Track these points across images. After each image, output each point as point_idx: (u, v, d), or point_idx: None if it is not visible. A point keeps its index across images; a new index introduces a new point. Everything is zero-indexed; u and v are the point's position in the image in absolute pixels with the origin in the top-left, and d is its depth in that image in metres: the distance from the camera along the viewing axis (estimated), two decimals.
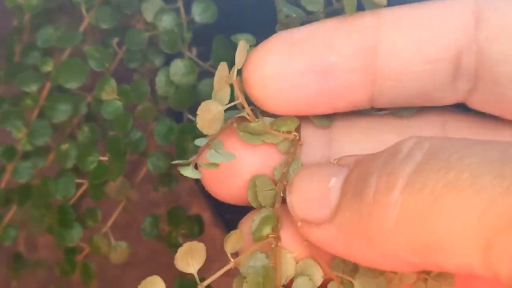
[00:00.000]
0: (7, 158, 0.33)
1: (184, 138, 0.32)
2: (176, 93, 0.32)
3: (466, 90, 0.24)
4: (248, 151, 0.25)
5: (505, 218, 0.17)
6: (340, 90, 0.24)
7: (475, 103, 0.24)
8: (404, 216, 0.18)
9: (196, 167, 0.23)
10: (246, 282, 0.22)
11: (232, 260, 0.23)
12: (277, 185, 0.24)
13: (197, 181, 0.46)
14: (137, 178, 0.35)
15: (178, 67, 0.32)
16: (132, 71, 0.34)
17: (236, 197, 0.25)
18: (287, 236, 0.23)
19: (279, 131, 0.24)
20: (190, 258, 0.22)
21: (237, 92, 0.24)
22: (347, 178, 0.21)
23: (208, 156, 0.23)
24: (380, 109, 0.26)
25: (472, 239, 0.17)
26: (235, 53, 0.24)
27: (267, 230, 0.23)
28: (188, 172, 0.22)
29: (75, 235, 0.32)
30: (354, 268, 0.23)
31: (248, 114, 0.24)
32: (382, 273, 0.23)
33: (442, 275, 0.24)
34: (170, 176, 0.34)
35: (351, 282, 0.23)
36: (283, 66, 0.23)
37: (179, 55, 0.33)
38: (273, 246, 0.23)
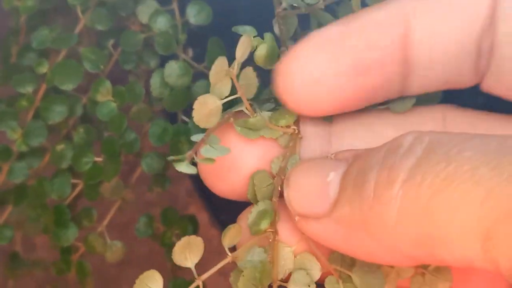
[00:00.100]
0: (3, 159, 0.33)
1: (178, 139, 0.32)
2: (171, 94, 0.32)
3: (483, 72, 0.24)
4: (248, 146, 0.24)
5: (503, 208, 0.17)
6: (380, 84, 0.24)
7: (489, 85, 0.24)
8: (404, 210, 0.19)
9: (191, 162, 0.23)
10: (243, 276, 0.22)
11: (229, 254, 0.23)
12: (275, 179, 0.24)
13: (195, 181, 0.46)
14: (132, 179, 0.35)
15: (172, 69, 0.32)
16: (127, 72, 0.35)
17: (237, 193, 0.25)
18: (285, 230, 0.23)
19: (278, 126, 0.24)
20: (187, 252, 0.22)
21: (237, 86, 0.24)
22: (346, 173, 0.21)
23: (203, 151, 0.23)
24: (380, 104, 0.26)
25: (471, 231, 0.17)
26: (229, 54, 0.24)
27: (264, 224, 0.23)
28: (183, 167, 0.22)
29: (71, 235, 0.33)
30: (352, 262, 0.23)
31: (246, 108, 0.24)
32: (379, 266, 0.23)
33: (440, 269, 0.24)
34: (164, 177, 0.34)
35: (349, 276, 0.23)
36: (327, 67, 0.23)
37: (174, 56, 0.33)
38: (270, 240, 0.23)
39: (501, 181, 0.17)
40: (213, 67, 0.23)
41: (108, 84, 0.32)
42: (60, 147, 0.33)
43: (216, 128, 0.24)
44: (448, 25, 0.23)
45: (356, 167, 0.21)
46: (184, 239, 0.22)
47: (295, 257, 0.23)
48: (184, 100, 0.32)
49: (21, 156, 0.34)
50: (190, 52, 0.35)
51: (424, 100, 0.26)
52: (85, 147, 0.33)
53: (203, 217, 0.44)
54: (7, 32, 0.36)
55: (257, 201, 0.24)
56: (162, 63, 0.33)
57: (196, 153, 0.23)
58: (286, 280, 0.23)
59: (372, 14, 0.23)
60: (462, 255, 0.18)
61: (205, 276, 0.22)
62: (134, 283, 0.22)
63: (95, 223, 0.34)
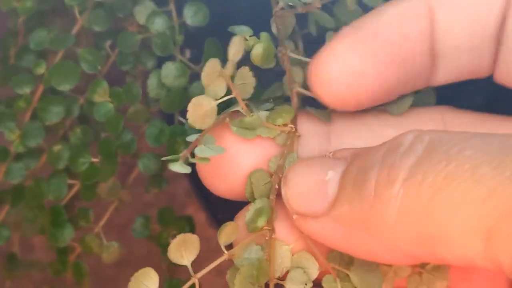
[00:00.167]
0: (0, 160, 0.33)
1: (175, 140, 0.32)
2: (168, 95, 0.32)
3: (494, 60, 0.24)
4: (246, 145, 0.24)
5: (506, 207, 0.17)
6: (413, 74, 0.24)
7: (499, 75, 0.25)
8: (405, 208, 0.19)
9: (187, 163, 0.23)
10: (239, 274, 0.22)
11: (225, 252, 0.23)
12: (273, 177, 0.24)
13: (192, 182, 0.46)
14: (129, 180, 0.35)
15: (169, 70, 0.32)
16: (125, 73, 0.35)
17: (235, 192, 0.25)
18: (282, 229, 0.23)
19: (275, 124, 0.24)
20: (183, 250, 0.22)
21: (231, 86, 0.24)
22: (345, 171, 0.21)
23: (198, 150, 0.23)
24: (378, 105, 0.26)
25: (473, 229, 0.17)
26: (226, 55, 0.24)
27: (261, 221, 0.23)
28: (177, 167, 0.22)
29: (67, 235, 0.33)
30: (350, 261, 0.23)
31: (242, 108, 0.24)
32: (377, 265, 0.23)
33: (437, 269, 0.24)
34: (161, 177, 0.34)
35: (347, 275, 0.23)
36: (366, 60, 0.23)
37: (171, 57, 0.33)
38: (267, 238, 0.23)
39: (504, 180, 0.17)
40: (205, 69, 0.24)
41: (105, 85, 0.32)
42: (57, 147, 0.33)
43: (211, 129, 0.24)
44: (469, 15, 0.24)
45: (356, 166, 0.21)
46: (180, 237, 0.22)
47: (292, 255, 0.23)
48: (181, 101, 0.32)
49: (19, 156, 0.34)
50: (187, 53, 0.35)
51: (420, 102, 0.26)
52: (82, 148, 0.33)
53: (200, 217, 0.44)
54: (5, 33, 0.36)
55: (254, 200, 0.24)
56: (159, 64, 0.33)
57: (191, 154, 0.23)
58: (283, 278, 0.23)
59: (398, 7, 0.24)
60: (463, 254, 0.18)
61: (200, 274, 0.22)
62: None
63: (92, 224, 0.34)
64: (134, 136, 0.33)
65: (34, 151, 0.33)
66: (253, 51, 0.25)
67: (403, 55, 0.24)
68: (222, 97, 0.24)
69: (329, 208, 0.21)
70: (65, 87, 0.32)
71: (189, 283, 0.22)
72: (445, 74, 0.25)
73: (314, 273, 0.23)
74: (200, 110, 0.23)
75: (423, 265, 0.24)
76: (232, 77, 0.24)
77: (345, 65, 0.23)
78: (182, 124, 0.33)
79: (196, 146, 0.23)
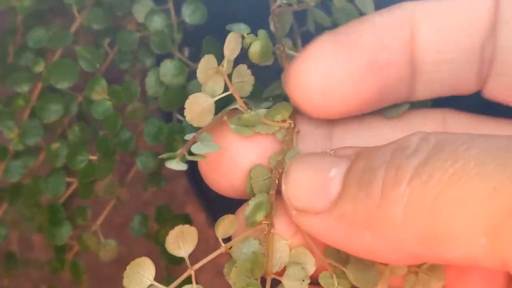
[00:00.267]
0: None
1: (173, 138, 0.32)
2: (166, 93, 0.32)
3: (485, 77, 0.24)
4: (247, 142, 0.24)
5: (510, 204, 0.17)
6: (392, 85, 0.24)
7: (490, 91, 0.25)
8: (411, 208, 0.19)
9: (183, 160, 0.23)
10: (236, 267, 0.22)
11: (223, 244, 0.22)
12: (273, 172, 0.24)
13: (191, 180, 0.46)
14: (128, 178, 0.35)
15: (168, 68, 0.32)
16: (123, 71, 0.35)
17: (236, 190, 0.25)
18: (281, 224, 0.23)
19: (274, 121, 0.24)
20: (181, 241, 0.22)
21: (229, 83, 0.23)
22: (350, 170, 0.21)
23: (194, 148, 0.23)
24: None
25: (477, 227, 0.18)
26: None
27: (260, 216, 0.23)
28: (173, 164, 0.22)
29: (65, 233, 0.33)
30: (347, 258, 0.23)
31: (241, 106, 0.24)
32: (373, 263, 0.23)
33: (433, 268, 0.24)
34: (159, 176, 0.34)
35: (343, 271, 0.23)
36: (342, 67, 0.23)
37: (170, 56, 0.33)
38: (265, 232, 0.23)
39: (509, 177, 0.17)
40: (200, 65, 0.24)
41: (103, 83, 0.32)
42: (55, 145, 0.33)
43: (209, 127, 0.24)
44: (452, 29, 0.23)
45: (361, 165, 0.21)
46: (178, 228, 0.22)
47: (290, 250, 0.23)
48: (179, 99, 0.32)
49: (17, 155, 0.34)
50: (186, 51, 0.35)
51: (416, 106, 0.26)
52: (80, 146, 0.33)
53: (200, 217, 0.44)
54: (3, 32, 0.36)
55: (254, 195, 0.24)
56: (157, 62, 0.33)
57: (188, 151, 0.23)
58: (280, 274, 0.23)
59: (381, 16, 0.24)
60: (467, 253, 0.18)
61: (197, 265, 0.22)
62: None
63: (90, 222, 0.34)
64: (132, 134, 0.33)
65: (33, 149, 0.34)
66: (251, 48, 0.25)
67: (381, 64, 0.23)
68: (220, 94, 0.24)
69: (331, 206, 0.21)
70: (63, 85, 0.32)
71: (185, 275, 0.22)
72: (426, 88, 0.25)
73: (311, 269, 0.23)
74: (197, 107, 0.23)
75: (419, 265, 0.24)
76: (230, 75, 0.24)
77: (319, 72, 0.23)
78: (180, 122, 0.33)
79: (193, 143, 0.23)
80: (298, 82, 0.23)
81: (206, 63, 0.23)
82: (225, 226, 0.23)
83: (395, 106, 0.26)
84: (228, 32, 0.25)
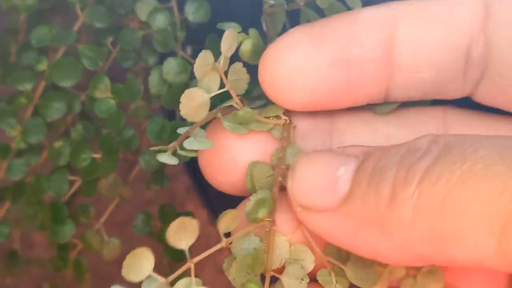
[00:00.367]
0: (1, 156, 0.33)
1: (176, 136, 0.32)
2: (169, 91, 0.32)
3: (474, 82, 0.24)
4: (248, 139, 0.24)
5: None
6: (361, 82, 0.24)
7: (481, 95, 0.25)
8: (420, 208, 0.19)
9: (175, 154, 0.22)
10: (236, 262, 0.22)
11: (224, 239, 0.22)
12: (275, 169, 0.24)
13: (193, 178, 0.46)
14: (130, 176, 0.35)
15: (171, 66, 0.32)
16: (126, 70, 0.35)
17: (237, 187, 0.25)
18: (283, 222, 0.23)
19: (268, 117, 0.24)
20: (182, 233, 0.22)
21: (225, 80, 0.24)
22: (359, 169, 0.21)
23: (186, 143, 0.23)
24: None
25: (485, 227, 0.18)
26: None
27: (262, 212, 0.23)
28: (164, 158, 0.22)
29: (68, 231, 0.33)
30: (346, 257, 0.23)
31: (236, 103, 0.24)
32: (373, 263, 0.23)
33: (432, 271, 0.24)
34: (162, 174, 0.34)
35: (342, 269, 0.23)
36: (308, 59, 0.23)
37: (173, 54, 0.33)
38: (267, 229, 0.23)
39: None
40: (197, 61, 0.24)
41: (106, 81, 0.32)
42: (58, 144, 0.33)
43: (203, 122, 0.24)
44: (435, 32, 0.23)
45: (371, 164, 0.21)
46: (179, 220, 0.22)
47: (290, 247, 0.23)
48: None
49: (20, 153, 0.34)
50: (189, 49, 0.35)
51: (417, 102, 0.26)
52: (83, 144, 0.33)
53: (201, 214, 0.44)
54: (6, 30, 0.36)
55: (255, 191, 0.24)
56: (160, 61, 0.33)
57: (180, 145, 0.23)
58: (279, 271, 0.23)
59: (363, 13, 0.24)
60: (474, 253, 0.18)
61: (197, 258, 0.22)
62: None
63: (93, 220, 0.34)
64: (135, 132, 0.33)
65: (35, 148, 0.33)
66: (242, 47, 0.26)
67: (350, 60, 0.23)
68: (215, 91, 0.24)
69: (339, 204, 0.21)
70: (66, 83, 0.32)
71: (184, 267, 0.21)
72: (405, 89, 0.24)
73: (310, 266, 0.23)
74: (193, 102, 0.23)
75: (418, 268, 0.24)
76: (226, 73, 0.24)
77: (287, 62, 0.23)
78: (183, 120, 0.33)
79: (186, 138, 0.23)
80: (266, 72, 0.24)
81: (203, 58, 0.23)
82: (227, 220, 0.23)
83: (386, 103, 0.26)
84: None
